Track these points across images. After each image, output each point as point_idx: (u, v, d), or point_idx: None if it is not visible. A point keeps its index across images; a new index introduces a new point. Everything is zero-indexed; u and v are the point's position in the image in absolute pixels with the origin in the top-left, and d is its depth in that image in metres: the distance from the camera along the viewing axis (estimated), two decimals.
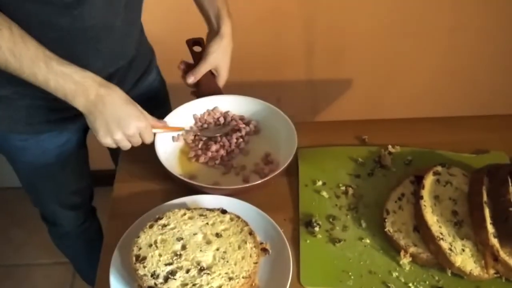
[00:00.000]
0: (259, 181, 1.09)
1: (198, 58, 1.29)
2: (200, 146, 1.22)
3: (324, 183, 1.16)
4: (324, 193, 1.13)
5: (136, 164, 1.21)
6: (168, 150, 1.19)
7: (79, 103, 1.04)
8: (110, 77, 1.22)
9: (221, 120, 1.27)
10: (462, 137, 1.25)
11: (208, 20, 1.30)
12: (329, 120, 1.42)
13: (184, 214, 1.02)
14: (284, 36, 1.91)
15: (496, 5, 1.90)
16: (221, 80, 1.31)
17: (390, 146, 1.22)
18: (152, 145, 1.14)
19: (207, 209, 1.03)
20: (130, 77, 1.33)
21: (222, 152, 1.21)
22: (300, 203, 1.12)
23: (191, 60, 1.33)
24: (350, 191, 1.13)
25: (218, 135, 1.24)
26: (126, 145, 1.10)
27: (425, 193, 1.06)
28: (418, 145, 1.23)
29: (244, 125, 1.26)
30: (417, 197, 1.06)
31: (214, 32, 1.28)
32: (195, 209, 1.03)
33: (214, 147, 1.21)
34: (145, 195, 1.14)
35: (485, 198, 1.02)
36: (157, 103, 1.47)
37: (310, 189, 1.15)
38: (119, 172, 1.19)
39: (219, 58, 1.28)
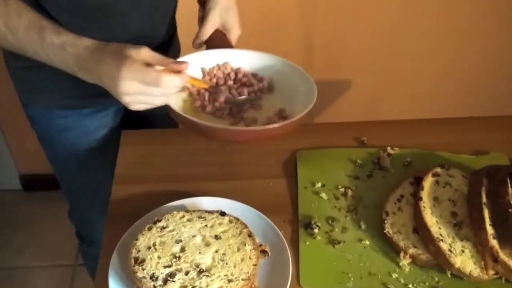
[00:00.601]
0: (278, 124, 0.99)
1: None
2: (207, 96, 1.10)
3: (323, 185, 1.15)
4: (323, 195, 1.13)
5: (134, 165, 1.20)
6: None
7: (82, 75, 0.97)
8: None
9: (232, 75, 1.16)
10: (462, 138, 1.24)
11: None
12: (328, 122, 1.42)
13: (183, 216, 1.01)
14: (283, 36, 1.91)
15: (498, 7, 1.91)
16: (233, 38, 1.21)
17: (389, 148, 1.22)
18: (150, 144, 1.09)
19: (206, 211, 1.02)
20: None
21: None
22: (299, 205, 1.11)
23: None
24: (349, 192, 1.13)
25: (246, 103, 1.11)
26: (153, 102, 0.94)
27: (425, 194, 1.06)
28: (417, 147, 1.23)
29: (256, 81, 1.15)
30: (417, 198, 1.06)
31: None
32: (194, 211, 1.03)
33: (222, 98, 1.10)
34: (143, 197, 1.14)
35: (484, 199, 1.02)
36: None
37: (309, 190, 1.14)
38: (117, 174, 1.19)
39: (221, 13, 1.18)
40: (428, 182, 1.09)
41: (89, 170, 1.38)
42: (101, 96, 1.24)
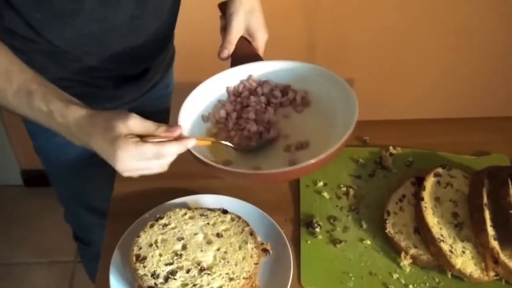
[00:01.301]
0: (313, 160, 0.87)
1: None
2: (231, 125, 1.01)
3: (325, 184, 1.15)
4: (325, 194, 1.13)
5: None
6: (194, 131, 1.00)
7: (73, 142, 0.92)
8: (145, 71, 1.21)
9: (259, 91, 1.05)
10: (463, 139, 1.24)
11: None
12: None
13: (185, 214, 1.02)
14: (285, 35, 1.91)
15: (500, 7, 1.90)
16: (260, 43, 1.11)
17: (391, 147, 1.22)
18: None
19: (208, 209, 1.02)
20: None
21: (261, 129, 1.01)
22: (301, 204, 1.11)
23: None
24: (351, 192, 1.13)
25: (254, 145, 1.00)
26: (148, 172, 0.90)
27: (426, 194, 1.06)
28: (419, 147, 1.23)
29: (286, 96, 1.04)
30: (418, 198, 1.06)
31: None
32: (196, 209, 1.03)
33: (253, 127, 1.00)
34: (145, 194, 1.14)
35: (485, 200, 1.02)
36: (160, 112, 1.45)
37: (311, 189, 1.14)
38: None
39: (244, 18, 1.09)
40: (429, 182, 1.09)
41: (87, 182, 1.38)
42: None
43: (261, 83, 1.07)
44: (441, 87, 2.13)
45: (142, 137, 0.85)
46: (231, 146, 0.98)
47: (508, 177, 1.04)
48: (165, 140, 0.86)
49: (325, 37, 1.96)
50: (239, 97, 1.06)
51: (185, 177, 1.16)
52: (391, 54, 2.02)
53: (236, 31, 1.09)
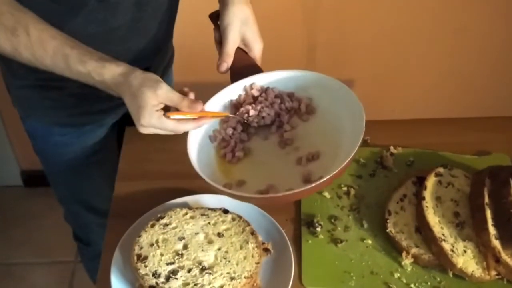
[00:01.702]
0: (327, 177, 0.88)
1: None
2: (233, 142, 1.02)
3: None
4: (326, 194, 1.13)
5: (138, 162, 1.20)
6: (203, 153, 1.01)
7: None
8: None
9: (262, 98, 1.05)
10: (464, 139, 1.24)
11: None
12: None
13: (186, 213, 1.02)
14: (285, 35, 1.91)
15: (500, 7, 1.90)
16: (256, 53, 1.10)
17: (392, 147, 1.22)
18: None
19: (209, 209, 1.02)
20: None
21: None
22: (302, 204, 1.11)
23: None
24: (352, 191, 1.13)
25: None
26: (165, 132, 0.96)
27: (427, 194, 1.06)
28: (420, 146, 1.23)
29: (289, 100, 1.05)
30: (419, 198, 1.06)
31: (221, 1, 1.11)
32: (197, 208, 1.03)
33: (229, 131, 1.03)
34: (146, 194, 1.14)
35: (486, 199, 1.02)
36: None
37: None
38: (120, 171, 1.19)
39: (240, 30, 1.08)
40: (430, 182, 1.09)
41: (85, 182, 1.39)
42: (102, 112, 1.25)
43: (264, 90, 1.07)
44: (442, 87, 2.13)
45: (166, 107, 0.94)
46: (245, 121, 1.03)
47: (509, 176, 1.04)
48: (185, 118, 0.95)
49: (326, 38, 1.96)
50: (241, 107, 1.05)
51: (186, 177, 1.15)
52: (392, 54, 2.02)
53: (233, 43, 1.08)
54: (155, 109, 0.92)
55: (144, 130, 0.94)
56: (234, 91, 1.07)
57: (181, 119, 0.94)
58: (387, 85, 2.12)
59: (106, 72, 0.95)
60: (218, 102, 1.06)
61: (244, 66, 1.08)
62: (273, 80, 1.07)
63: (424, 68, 2.07)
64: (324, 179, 0.88)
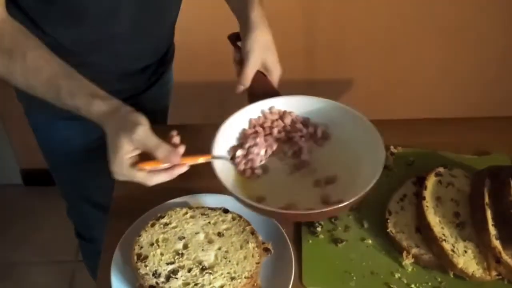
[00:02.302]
0: (350, 200, 0.91)
1: None
2: (246, 160, 1.03)
3: None
4: None
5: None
6: (223, 165, 1.01)
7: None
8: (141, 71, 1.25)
9: (280, 124, 1.08)
10: (464, 139, 1.24)
11: (236, 12, 1.16)
12: None
13: (186, 213, 1.01)
14: (285, 35, 1.91)
15: (500, 7, 1.90)
16: (275, 78, 1.14)
17: (392, 147, 1.22)
18: None
19: (209, 208, 1.02)
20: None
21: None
22: None
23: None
24: None
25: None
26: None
27: (427, 194, 1.06)
28: (420, 146, 1.23)
29: (305, 128, 1.08)
30: (419, 198, 1.06)
31: (244, 26, 1.13)
32: (197, 208, 1.03)
33: (257, 160, 1.03)
34: (146, 193, 1.13)
35: (487, 199, 1.02)
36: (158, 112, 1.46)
37: None
38: None
39: (260, 55, 1.11)
40: (431, 181, 1.09)
41: (89, 176, 1.38)
42: None
43: (282, 114, 1.09)
44: (442, 87, 2.13)
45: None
46: (229, 160, 1.01)
47: (509, 176, 1.04)
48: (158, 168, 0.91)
49: (325, 38, 1.96)
50: (261, 127, 1.08)
51: (186, 177, 1.15)
52: (392, 55, 2.02)
53: (253, 68, 1.10)
54: (127, 156, 0.89)
55: (116, 177, 0.91)
56: (252, 112, 1.09)
57: (154, 170, 0.91)
58: (387, 85, 2.12)
59: (93, 109, 0.94)
60: (236, 122, 1.07)
61: (261, 88, 1.11)
62: (290, 103, 1.10)
63: (423, 68, 2.07)
64: (354, 198, 0.91)
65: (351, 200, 0.91)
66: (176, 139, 0.93)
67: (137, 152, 0.90)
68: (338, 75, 2.08)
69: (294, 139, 1.07)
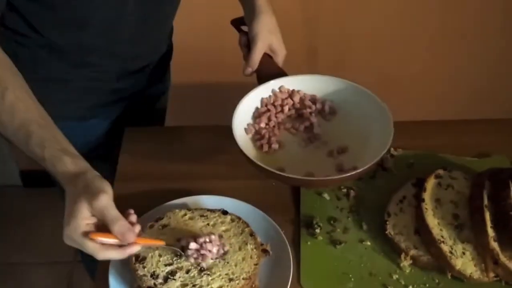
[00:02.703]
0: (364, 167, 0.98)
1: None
2: (267, 134, 1.10)
3: None
4: (326, 195, 1.13)
5: (137, 163, 1.20)
6: (243, 142, 1.06)
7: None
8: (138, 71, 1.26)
9: (289, 102, 1.15)
10: (464, 141, 1.24)
11: None
12: None
13: (185, 214, 1.01)
14: (286, 39, 1.91)
15: (501, 10, 1.91)
16: (280, 59, 1.20)
17: (392, 149, 1.22)
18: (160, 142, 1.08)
19: (208, 210, 1.02)
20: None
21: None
22: (301, 205, 1.11)
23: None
24: (352, 193, 1.13)
25: None
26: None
27: (427, 196, 1.06)
28: (420, 148, 1.23)
29: (313, 105, 1.15)
30: (419, 200, 1.06)
31: (249, 11, 1.18)
32: (195, 209, 1.03)
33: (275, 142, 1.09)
34: (145, 195, 1.14)
35: (486, 202, 1.02)
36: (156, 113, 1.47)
37: (312, 190, 1.14)
38: (119, 172, 1.19)
39: (267, 38, 1.17)
40: (430, 183, 1.09)
41: None
42: (107, 105, 1.25)
43: (291, 93, 1.16)
44: (442, 89, 2.13)
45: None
46: (177, 250, 0.95)
47: (509, 178, 1.04)
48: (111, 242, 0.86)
49: (327, 40, 1.97)
50: (272, 105, 1.15)
51: (185, 178, 1.16)
52: (392, 57, 2.02)
53: (260, 50, 1.16)
54: (84, 223, 0.85)
55: (66, 241, 0.87)
56: (263, 92, 1.16)
57: (106, 243, 0.86)
58: (387, 87, 2.10)
59: (59, 166, 0.90)
60: (248, 104, 1.13)
61: (270, 70, 1.18)
62: (297, 83, 1.17)
63: (424, 70, 2.07)
64: (369, 165, 0.99)
65: (372, 163, 0.99)
66: (133, 218, 0.90)
67: (94, 220, 0.86)
68: (338, 77, 2.08)
69: (304, 115, 1.14)
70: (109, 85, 1.23)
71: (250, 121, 1.13)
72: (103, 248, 0.85)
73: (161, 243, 0.94)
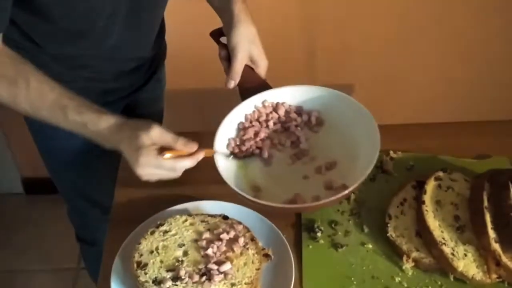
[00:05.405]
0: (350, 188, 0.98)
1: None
2: (237, 141, 1.10)
3: None
4: None
5: None
6: (227, 162, 1.08)
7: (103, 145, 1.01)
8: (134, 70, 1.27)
9: (274, 116, 1.13)
10: (464, 143, 1.24)
11: (218, 8, 1.18)
12: None
13: (186, 220, 1.02)
14: (285, 40, 1.91)
15: (501, 12, 1.91)
16: (262, 71, 1.16)
17: (392, 152, 1.22)
18: None
19: (209, 215, 1.02)
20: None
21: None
22: None
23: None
24: (352, 196, 1.13)
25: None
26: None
27: (427, 198, 1.06)
28: (420, 151, 1.23)
29: (299, 117, 1.13)
30: (419, 202, 1.06)
31: (227, 21, 1.14)
32: (196, 215, 1.03)
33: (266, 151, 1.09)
34: (146, 201, 1.14)
35: (486, 203, 1.02)
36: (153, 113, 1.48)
37: None
38: (119, 178, 1.19)
39: (247, 48, 1.12)
40: (430, 186, 1.09)
41: (90, 176, 1.39)
42: (107, 105, 1.26)
43: (275, 106, 1.15)
44: (441, 91, 2.12)
45: (162, 148, 0.96)
46: (231, 155, 1.08)
47: (509, 180, 1.04)
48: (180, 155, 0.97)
49: (325, 43, 1.97)
50: (257, 121, 1.13)
51: (186, 184, 1.16)
52: (391, 59, 2.02)
53: (242, 62, 1.13)
54: (152, 147, 0.94)
55: (141, 171, 0.95)
56: (246, 107, 1.14)
57: (177, 156, 0.97)
58: (387, 90, 2.12)
59: (102, 123, 0.98)
60: (232, 121, 1.12)
61: (252, 82, 1.14)
62: (282, 95, 1.15)
63: (423, 72, 2.07)
64: (356, 184, 0.98)
65: (359, 181, 0.98)
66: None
67: (157, 147, 0.95)
68: (338, 81, 2.07)
69: (290, 129, 1.12)
70: (106, 84, 1.24)
71: (234, 141, 1.12)
72: (178, 160, 0.96)
73: (213, 152, 1.05)
